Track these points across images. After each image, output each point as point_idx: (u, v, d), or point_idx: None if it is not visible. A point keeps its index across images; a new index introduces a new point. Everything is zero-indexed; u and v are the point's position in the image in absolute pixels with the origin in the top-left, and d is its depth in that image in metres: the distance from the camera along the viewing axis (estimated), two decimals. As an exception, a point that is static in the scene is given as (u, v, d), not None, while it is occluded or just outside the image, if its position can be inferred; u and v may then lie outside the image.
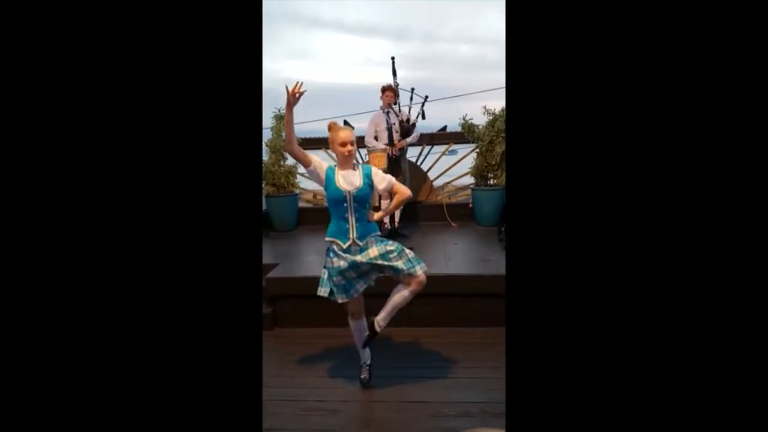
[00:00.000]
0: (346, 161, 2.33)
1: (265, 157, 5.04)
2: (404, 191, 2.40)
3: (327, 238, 2.35)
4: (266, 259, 3.74)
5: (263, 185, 5.00)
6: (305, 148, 5.58)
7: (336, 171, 2.34)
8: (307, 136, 5.58)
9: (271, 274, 3.43)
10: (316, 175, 2.35)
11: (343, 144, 2.29)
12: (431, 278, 3.22)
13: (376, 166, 3.78)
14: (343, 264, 2.29)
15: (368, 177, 2.33)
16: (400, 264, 2.28)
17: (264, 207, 5.04)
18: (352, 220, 2.29)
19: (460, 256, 3.90)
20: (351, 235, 2.28)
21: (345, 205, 2.28)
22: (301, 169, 5.35)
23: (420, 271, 2.31)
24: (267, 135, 5.07)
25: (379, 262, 2.28)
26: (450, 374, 2.59)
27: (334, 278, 2.32)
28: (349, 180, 2.30)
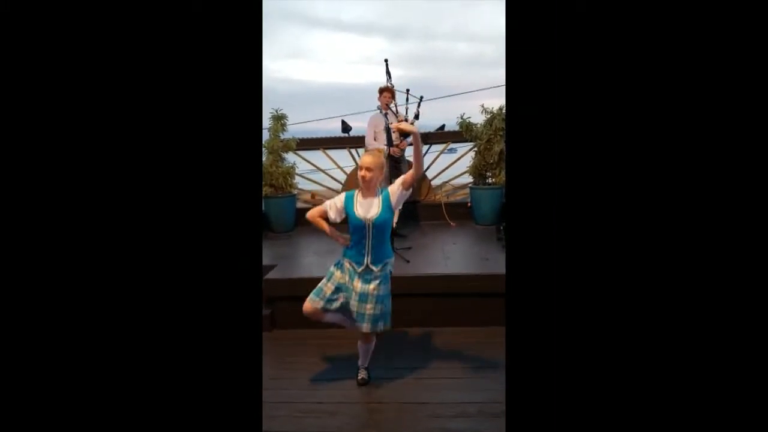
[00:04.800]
0: (363, 186, 2.36)
1: (263, 158, 5.03)
2: (411, 171, 2.35)
3: (343, 259, 2.43)
4: (264, 260, 3.72)
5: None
6: (303, 149, 5.61)
7: (355, 198, 2.39)
8: (305, 136, 5.57)
9: (270, 275, 3.42)
10: (338, 214, 2.42)
11: (360, 168, 2.35)
12: (430, 278, 3.24)
13: None
14: (341, 281, 2.40)
15: (386, 200, 2.35)
16: (365, 311, 2.35)
17: (262, 208, 5.03)
18: (368, 246, 2.34)
19: (458, 255, 3.89)
20: (366, 260, 2.35)
21: (364, 231, 2.33)
22: (299, 170, 5.38)
23: (366, 327, 2.37)
24: (264, 136, 5.06)
25: (357, 300, 2.37)
26: (448, 374, 2.58)
27: (326, 285, 2.43)
28: (366, 208, 2.34)
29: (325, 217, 2.45)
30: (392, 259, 2.46)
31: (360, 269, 2.36)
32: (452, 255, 3.84)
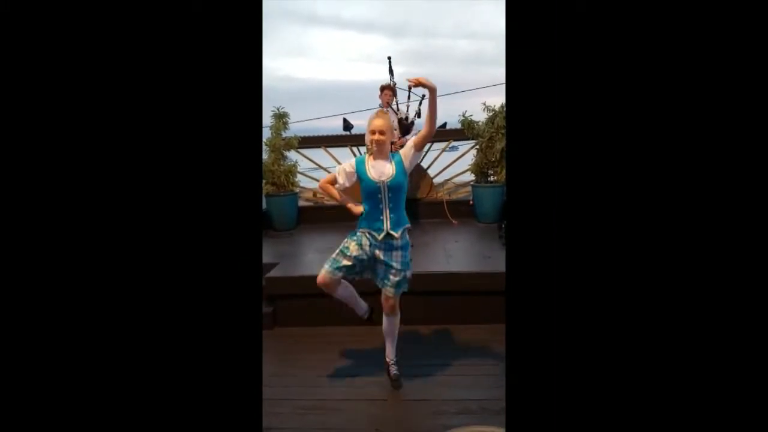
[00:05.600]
0: (376, 150, 2.28)
1: (265, 156, 5.04)
2: (423, 130, 2.28)
3: (359, 230, 2.33)
4: (266, 258, 3.73)
5: (263, 184, 5.00)
6: (304, 147, 5.62)
7: (366, 162, 2.31)
8: (306, 134, 5.58)
9: (272, 273, 3.43)
10: (348, 178, 2.33)
11: (372, 132, 2.26)
12: (431, 276, 3.24)
13: None
14: (361, 254, 2.31)
15: (400, 163, 2.28)
16: (389, 276, 2.32)
17: (264, 206, 5.04)
18: (386, 210, 2.26)
19: (460, 253, 3.90)
20: (385, 226, 2.27)
21: (379, 196, 2.26)
22: (301, 168, 5.38)
23: (389, 291, 2.33)
24: (266, 134, 5.07)
25: (383, 266, 2.33)
26: (449, 372, 2.59)
27: (343, 260, 2.34)
28: (380, 170, 2.27)
29: (334, 183, 2.37)
30: (409, 225, 2.35)
31: (380, 236, 2.27)
32: (454, 253, 3.85)
